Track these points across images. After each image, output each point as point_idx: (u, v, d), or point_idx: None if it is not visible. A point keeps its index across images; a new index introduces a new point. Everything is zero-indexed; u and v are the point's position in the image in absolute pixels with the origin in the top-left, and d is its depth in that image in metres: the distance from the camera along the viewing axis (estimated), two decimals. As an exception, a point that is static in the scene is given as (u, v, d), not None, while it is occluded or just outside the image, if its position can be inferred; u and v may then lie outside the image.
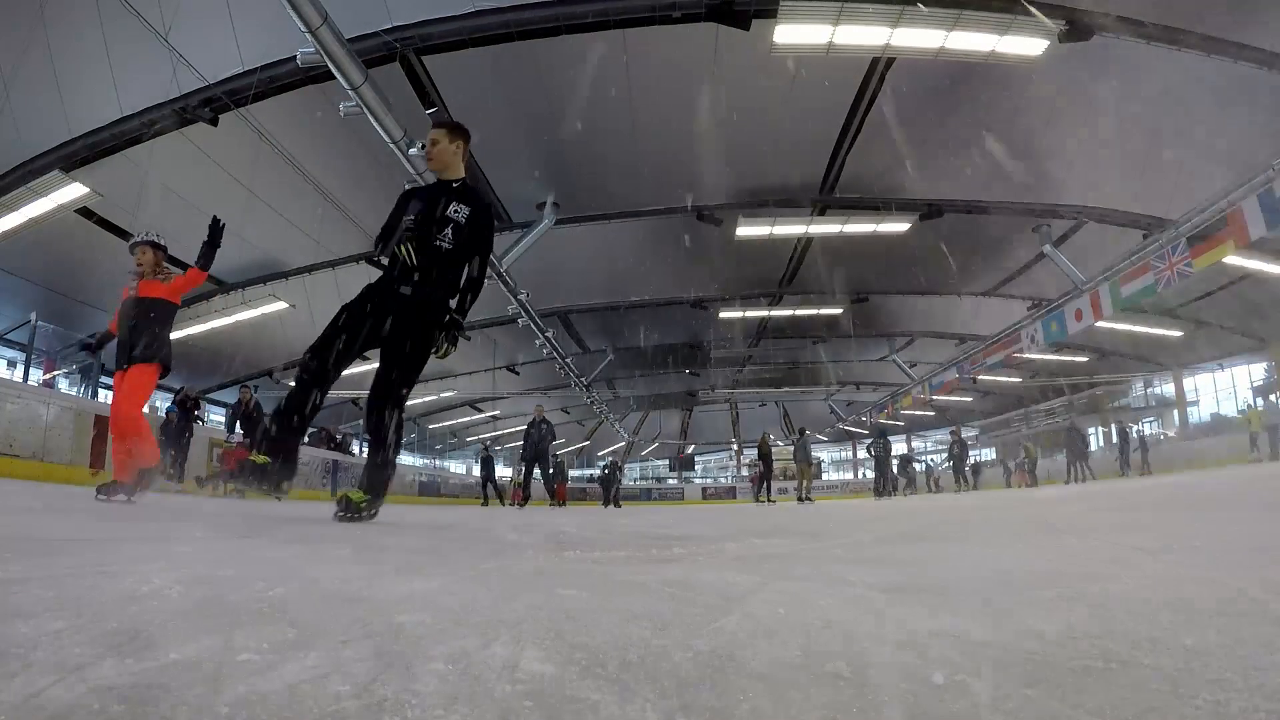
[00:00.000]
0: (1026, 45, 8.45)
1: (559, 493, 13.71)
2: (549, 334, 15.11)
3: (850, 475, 36.18)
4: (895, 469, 18.49)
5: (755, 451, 17.28)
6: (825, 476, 34.78)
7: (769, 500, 15.46)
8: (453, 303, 3.09)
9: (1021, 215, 13.96)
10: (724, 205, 12.99)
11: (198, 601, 0.88)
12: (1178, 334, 20.60)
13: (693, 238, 14.24)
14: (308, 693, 0.54)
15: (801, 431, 15.82)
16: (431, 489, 20.60)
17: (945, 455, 20.71)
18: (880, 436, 16.55)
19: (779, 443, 26.26)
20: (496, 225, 13.03)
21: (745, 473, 17.79)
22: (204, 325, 14.98)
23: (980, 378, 20.43)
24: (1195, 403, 26.04)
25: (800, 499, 14.30)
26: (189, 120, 9.55)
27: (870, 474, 20.00)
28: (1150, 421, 28.78)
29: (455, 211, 3.09)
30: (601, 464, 42.66)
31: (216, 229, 4.30)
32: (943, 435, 31.65)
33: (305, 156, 11.06)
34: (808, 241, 14.95)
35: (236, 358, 17.91)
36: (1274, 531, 1.55)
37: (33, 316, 11.01)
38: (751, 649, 0.72)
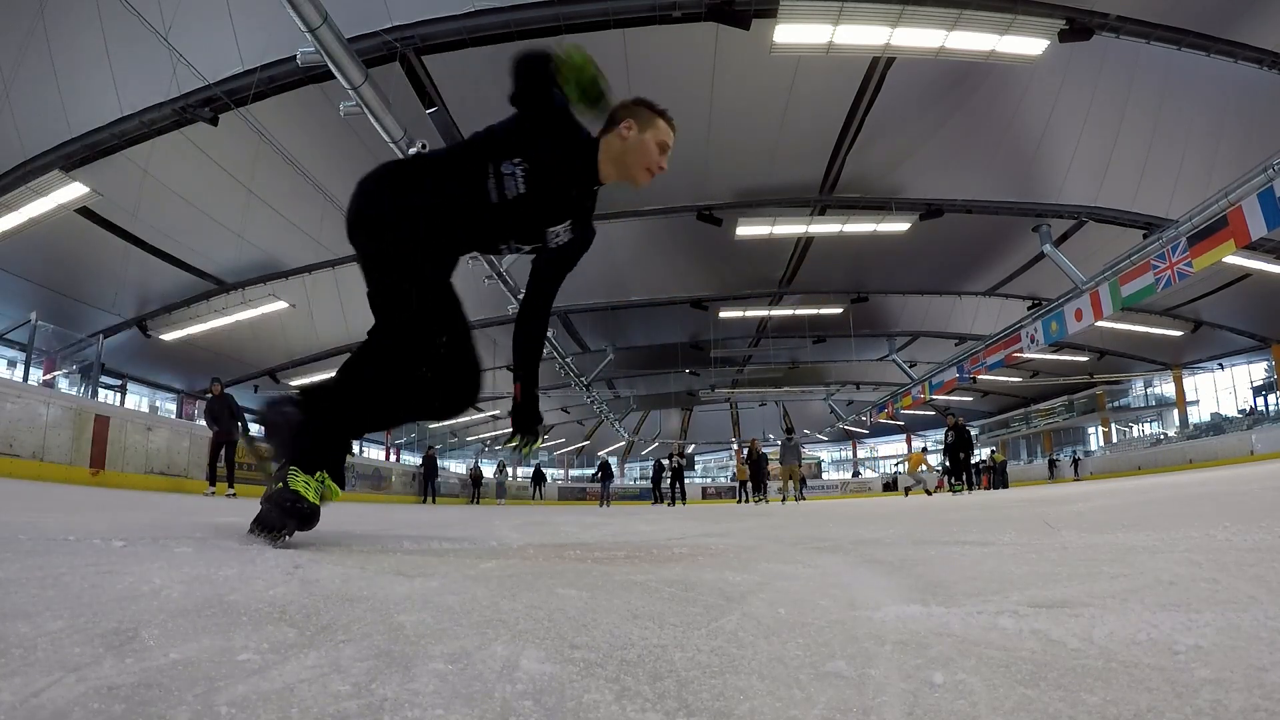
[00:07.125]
0: (1026, 45, 8.45)
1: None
2: (549, 334, 15.12)
3: (848, 475, 36.22)
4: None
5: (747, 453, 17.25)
6: (825, 476, 34.84)
7: (761, 500, 15.54)
8: None
9: (1021, 215, 13.97)
10: (724, 205, 12.99)
11: (198, 601, 0.88)
12: (1178, 334, 20.60)
13: (693, 238, 14.24)
14: (308, 693, 0.54)
15: (789, 432, 15.86)
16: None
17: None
18: (953, 428, 13.68)
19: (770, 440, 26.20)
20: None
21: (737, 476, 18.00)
22: (204, 325, 14.98)
23: (980, 377, 20.41)
24: (1195, 402, 26.05)
25: (784, 499, 14.40)
26: (189, 120, 9.55)
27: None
28: (1150, 421, 28.80)
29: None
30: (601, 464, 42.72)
31: None
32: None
33: (305, 156, 11.04)
34: (808, 241, 14.95)
35: (236, 357, 17.91)
36: (1272, 530, 1.55)
37: (33, 316, 11.01)
38: (752, 648, 0.72)
